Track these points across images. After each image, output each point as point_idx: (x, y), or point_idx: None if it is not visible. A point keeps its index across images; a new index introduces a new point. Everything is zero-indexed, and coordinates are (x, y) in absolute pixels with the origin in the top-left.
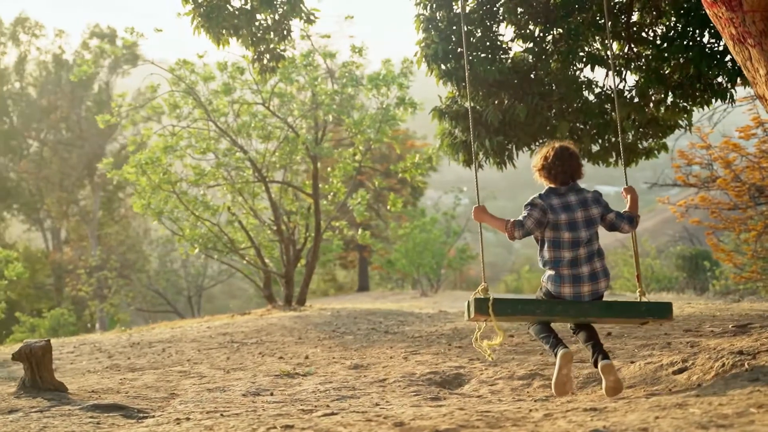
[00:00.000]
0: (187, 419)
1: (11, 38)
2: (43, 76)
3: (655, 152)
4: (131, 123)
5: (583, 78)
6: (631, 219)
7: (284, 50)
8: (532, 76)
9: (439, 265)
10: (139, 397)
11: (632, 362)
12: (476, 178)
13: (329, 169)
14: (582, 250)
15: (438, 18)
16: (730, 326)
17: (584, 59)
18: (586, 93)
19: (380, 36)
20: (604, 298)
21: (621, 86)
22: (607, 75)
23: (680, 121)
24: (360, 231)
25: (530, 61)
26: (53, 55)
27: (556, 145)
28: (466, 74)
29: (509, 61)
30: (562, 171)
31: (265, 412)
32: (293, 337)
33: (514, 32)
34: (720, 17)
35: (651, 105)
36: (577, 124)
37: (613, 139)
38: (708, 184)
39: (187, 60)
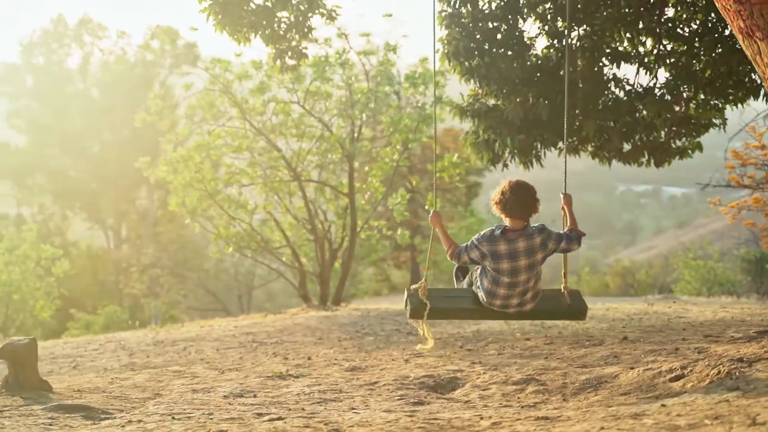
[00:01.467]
0: (139, 421)
1: (75, 40)
2: (105, 77)
3: (689, 152)
4: (170, 122)
5: (610, 75)
6: (578, 239)
7: (306, 48)
8: (559, 73)
9: None
10: (120, 398)
11: (632, 368)
12: (434, 186)
13: (366, 168)
14: (518, 290)
15: (463, 14)
16: (751, 332)
17: (610, 56)
18: (616, 90)
19: (399, 32)
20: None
21: (651, 83)
22: (638, 72)
23: (714, 120)
24: (399, 231)
25: (554, 58)
26: (116, 56)
27: (513, 180)
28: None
29: (533, 58)
30: (518, 207)
31: (218, 415)
32: (314, 337)
33: (539, 29)
34: (728, 10)
35: (682, 103)
36: (608, 123)
37: (645, 138)
38: (763, 185)
39: (221, 59)
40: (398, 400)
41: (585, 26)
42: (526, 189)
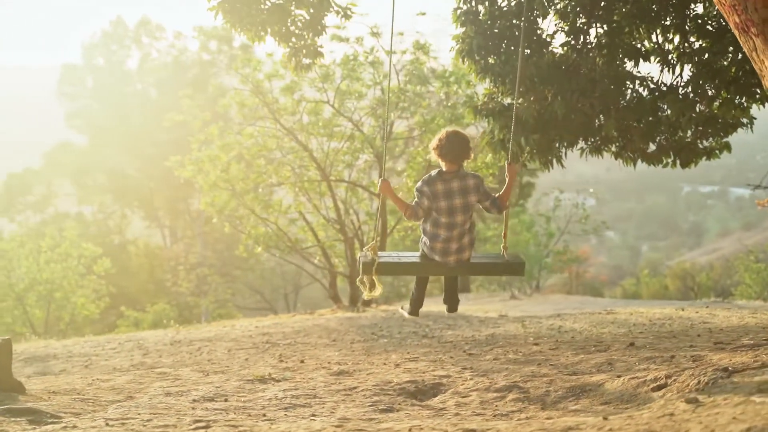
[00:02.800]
0: (74, 427)
1: (134, 41)
2: (162, 77)
3: (717, 152)
4: (201, 121)
5: (636, 72)
6: (500, 207)
7: (321, 46)
8: (574, 71)
9: (533, 267)
10: (88, 401)
11: (619, 377)
12: (384, 155)
13: (399, 168)
14: (456, 231)
15: (480, 12)
16: (763, 338)
17: (628, 53)
18: (640, 89)
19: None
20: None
21: (674, 82)
22: (662, 70)
23: (742, 119)
24: None
25: (571, 55)
26: (173, 57)
27: (450, 129)
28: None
29: (549, 55)
30: (451, 151)
31: (155, 422)
32: (328, 339)
33: (556, 26)
34: (723, 4)
35: (705, 102)
36: (630, 123)
37: (669, 138)
38: None
39: (250, 58)
40: (369, 406)
41: (604, 24)
42: (460, 136)
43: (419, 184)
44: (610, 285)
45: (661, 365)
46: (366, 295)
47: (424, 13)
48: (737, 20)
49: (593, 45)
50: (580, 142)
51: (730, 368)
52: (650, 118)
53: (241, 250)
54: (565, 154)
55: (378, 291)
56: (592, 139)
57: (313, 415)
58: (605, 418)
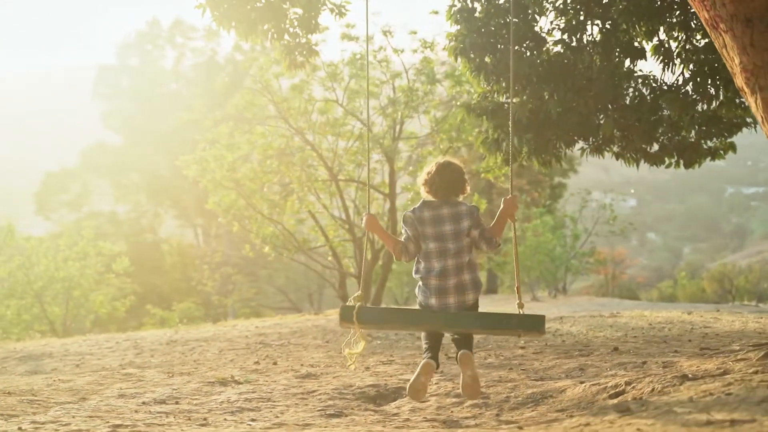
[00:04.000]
0: None
1: (168, 41)
2: (196, 77)
3: (721, 152)
4: (212, 121)
5: (638, 71)
6: (489, 240)
7: (316, 44)
8: (570, 70)
9: (557, 269)
10: (35, 403)
11: (582, 383)
12: (368, 185)
13: (411, 168)
14: (450, 261)
15: (477, 9)
16: (750, 344)
17: (625, 51)
18: (642, 88)
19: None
20: (482, 309)
21: (675, 81)
22: (664, 69)
23: (748, 118)
24: None
25: (564, 53)
26: (208, 57)
27: (441, 160)
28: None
29: (544, 54)
30: (445, 187)
31: (72, 426)
32: (320, 341)
33: (551, 23)
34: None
35: (706, 101)
36: (631, 122)
37: (671, 138)
38: None
39: (257, 57)
40: (318, 411)
41: (601, 21)
42: (452, 168)
43: (404, 214)
44: (649, 287)
45: (630, 371)
46: (347, 353)
47: (437, 12)
48: (707, 16)
49: (590, 42)
50: (579, 141)
51: (690, 375)
52: (651, 118)
53: (248, 249)
54: (564, 153)
55: (360, 347)
56: (593, 139)
57: (253, 420)
58: (520, 428)
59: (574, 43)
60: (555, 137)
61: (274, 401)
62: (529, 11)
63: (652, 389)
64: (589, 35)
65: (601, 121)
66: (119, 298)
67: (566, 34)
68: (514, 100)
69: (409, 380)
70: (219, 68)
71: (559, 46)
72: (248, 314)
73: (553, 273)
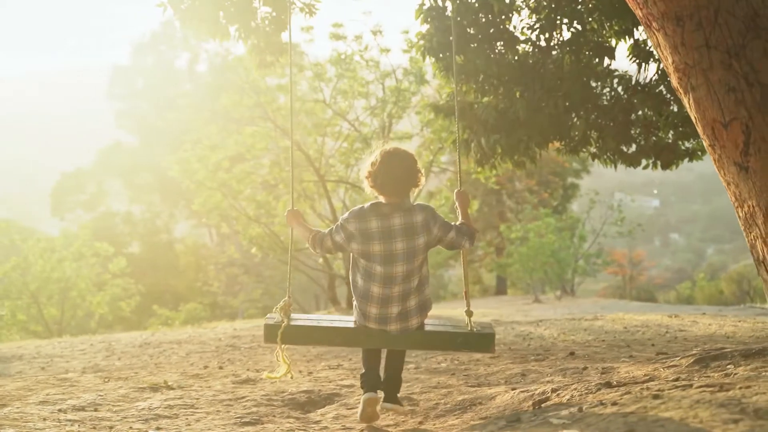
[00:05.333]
0: None
1: (183, 42)
2: (210, 78)
3: (699, 153)
4: (203, 120)
5: (615, 70)
6: (470, 235)
7: (285, 43)
8: (538, 69)
9: (563, 270)
10: None
11: (513, 389)
12: (291, 180)
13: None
14: (396, 289)
15: (448, 7)
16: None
17: (594, 50)
18: (618, 88)
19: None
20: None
21: (650, 79)
22: (639, 69)
23: None
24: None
25: (533, 52)
26: (222, 58)
27: (387, 148)
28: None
29: (509, 54)
30: (392, 181)
31: None
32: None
33: (521, 21)
34: None
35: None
36: (606, 122)
37: (650, 139)
38: None
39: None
40: (234, 419)
41: (569, 20)
42: (401, 158)
43: (345, 215)
44: (669, 289)
45: (567, 377)
46: (266, 374)
47: (407, 31)
48: (641, 14)
49: (559, 42)
50: (555, 142)
51: (614, 383)
52: (625, 118)
53: (232, 251)
54: (540, 154)
55: (282, 370)
56: (567, 140)
57: (159, 428)
58: None
59: (542, 42)
60: (527, 138)
61: (197, 408)
62: (501, 9)
63: (571, 396)
64: (558, 34)
65: (575, 122)
66: (124, 299)
67: (536, 32)
68: (484, 100)
69: (346, 386)
70: (231, 69)
71: (528, 44)
72: (254, 315)
73: (558, 274)
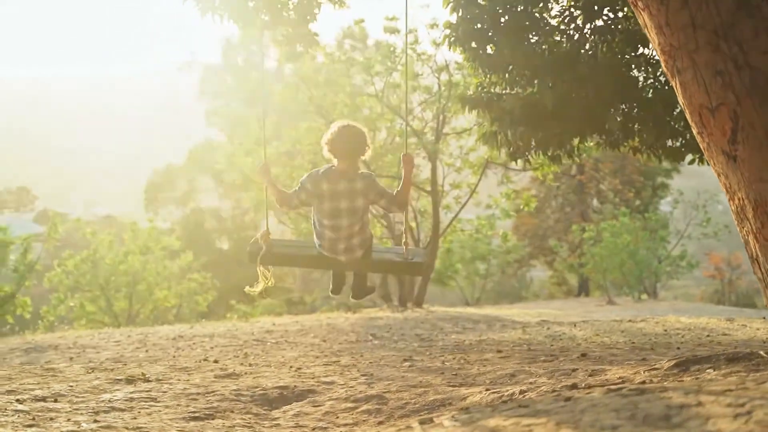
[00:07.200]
0: None
1: (272, 40)
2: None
3: None
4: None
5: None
6: (400, 204)
7: (317, 34)
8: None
9: (642, 272)
10: None
11: (487, 389)
12: (263, 138)
13: (458, 165)
14: (342, 233)
15: None
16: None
17: (627, 39)
18: (661, 77)
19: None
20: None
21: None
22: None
23: None
24: (501, 232)
25: (562, 41)
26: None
27: (342, 123)
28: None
29: (541, 45)
30: (344, 147)
31: None
32: (318, 339)
33: (560, 12)
34: None
35: None
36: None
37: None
38: None
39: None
40: (188, 413)
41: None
42: (354, 130)
43: (303, 177)
44: None
45: (552, 379)
46: (247, 288)
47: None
48: None
49: (591, 29)
50: (594, 136)
51: (582, 385)
52: (667, 111)
53: None
54: (576, 149)
55: (261, 286)
56: (614, 135)
57: (96, 422)
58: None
59: (571, 32)
60: (560, 131)
61: (157, 402)
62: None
63: (530, 398)
64: (592, 24)
65: (612, 114)
66: (200, 293)
67: (574, 21)
68: (510, 92)
69: (326, 382)
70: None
71: (559, 34)
72: (329, 309)
73: (637, 276)
